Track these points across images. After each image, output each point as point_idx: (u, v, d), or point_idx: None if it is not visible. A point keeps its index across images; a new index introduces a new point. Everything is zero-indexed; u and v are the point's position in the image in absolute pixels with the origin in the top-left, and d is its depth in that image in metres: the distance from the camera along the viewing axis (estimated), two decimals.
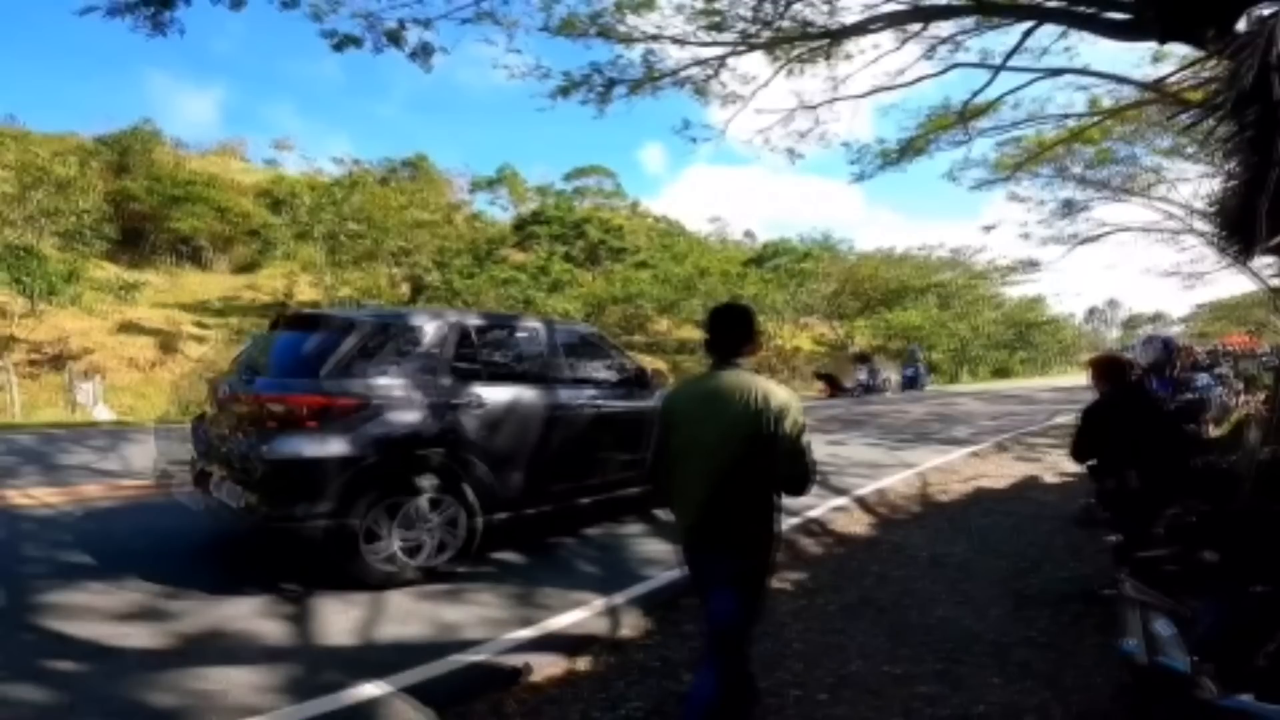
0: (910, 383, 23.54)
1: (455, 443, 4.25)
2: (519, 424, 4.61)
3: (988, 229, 31.83)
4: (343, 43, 8.55)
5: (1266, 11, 3.38)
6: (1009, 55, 9.31)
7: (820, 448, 9.31)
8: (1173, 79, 9.87)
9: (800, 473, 2.26)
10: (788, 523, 5.80)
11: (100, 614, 3.40)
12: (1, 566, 4.06)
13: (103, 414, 12.04)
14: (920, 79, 10.80)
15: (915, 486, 7.42)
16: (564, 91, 10.53)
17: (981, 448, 10.09)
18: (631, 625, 3.69)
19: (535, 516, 4.73)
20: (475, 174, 46.55)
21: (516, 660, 3.14)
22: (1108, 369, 3.99)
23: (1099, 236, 20.86)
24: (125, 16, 6.76)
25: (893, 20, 8.80)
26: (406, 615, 3.56)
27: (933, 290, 34.21)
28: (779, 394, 2.23)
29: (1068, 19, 7.04)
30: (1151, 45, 9.98)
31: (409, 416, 4.12)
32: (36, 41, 62.89)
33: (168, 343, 19.24)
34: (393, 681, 2.86)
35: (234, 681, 2.79)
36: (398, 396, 4.12)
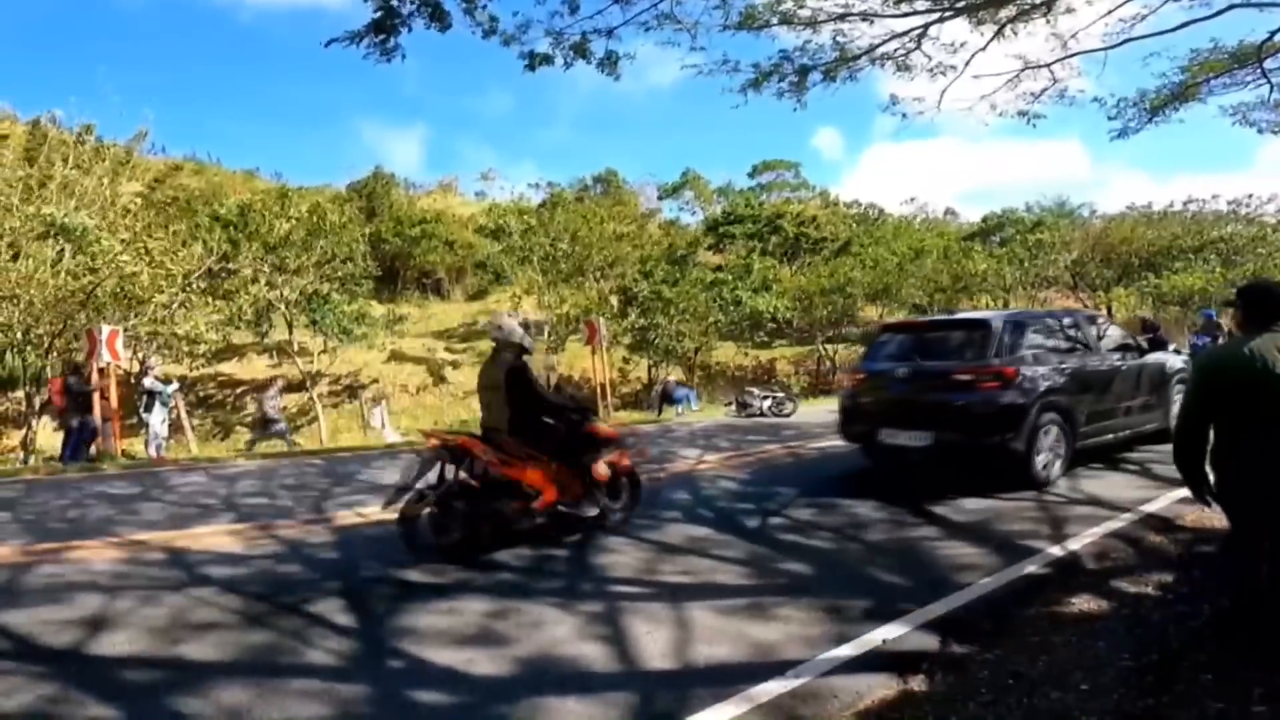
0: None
1: (1060, 391, 6.46)
2: (1087, 378, 6.81)
3: None
4: (536, 61, 9.00)
5: None
6: None
7: None
8: None
9: None
10: (1121, 519, 5.02)
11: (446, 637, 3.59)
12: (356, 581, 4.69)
13: (391, 436, 14.03)
14: (1186, 24, 9.00)
15: None
16: (755, 84, 10.24)
17: None
18: (961, 640, 3.28)
19: (1098, 443, 6.91)
20: (660, 182, 47.95)
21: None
22: None
23: None
24: (359, 44, 7.50)
25: None
26: (714, 634, 3.45)
27: (1211, 247, 28.23)
28: None
29: None
30: None
31: (1040, 378, 6.33)
32: (258, 103, 76.62)
33: (431, 369, 22.05)
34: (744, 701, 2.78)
35: (572, 712, 2.80)
36: (1032, 365, 6.36)
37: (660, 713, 2.78)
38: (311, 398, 17.80)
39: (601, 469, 5.25)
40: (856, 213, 43.09)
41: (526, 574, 4.59)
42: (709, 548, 4.90)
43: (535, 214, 26.30)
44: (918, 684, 2.92)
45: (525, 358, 5.23)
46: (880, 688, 2.91)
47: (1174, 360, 8.24)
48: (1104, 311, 26.68)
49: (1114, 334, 7.66)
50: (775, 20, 9.68)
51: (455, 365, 22.91)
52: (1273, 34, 9.06)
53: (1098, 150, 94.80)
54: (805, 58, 9.94)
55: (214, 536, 5.67)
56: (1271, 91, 10.57)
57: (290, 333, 19.21)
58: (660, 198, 47.63)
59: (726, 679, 2.99)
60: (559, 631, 3.58)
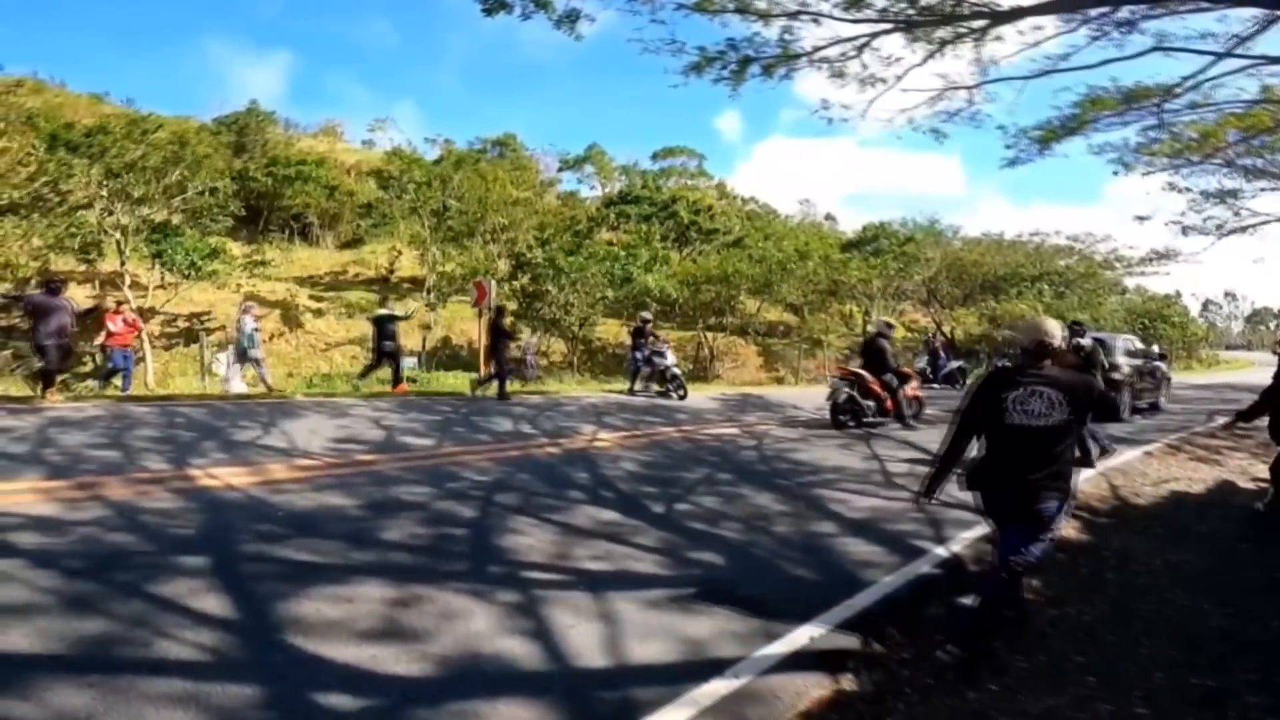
0: (949, 377, 20.81)
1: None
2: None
3: (1141, 219, 30.05)
4: (494, 7, 8.50)
5: None
6: (1234, 45, 8.30)
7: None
8: None
9: None
10: (987, 523, 5.30)
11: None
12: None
13: (237, 386, 12.49)
14: (1105, 62, 9.72)
15: (1104, 489, 6.74)
16: (696, 69, 10.14)
17: (1153, 448, 9.22)
18: (879, 638, 3.32)
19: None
20: (562, 152, 47.00)
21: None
22: None
23: (1248, 227, 18.61)
24: None
25: (1062, 6, 7.97)
26: (642, 629, 3.28)
27: (1046, 278, 31.72)
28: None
29: None
30: None
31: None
32: (94, 16, 64.02)
33: (288, 316, 20.12)
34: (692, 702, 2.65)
35: (510, 718, 2.55)
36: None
37: (606, 716, 2.60)
38: (140, 336, 15.64)
39: (909, 391, 10.38)
40: (750, 208, 44.49)
41: (427, 554, 4.19)
42: (621, 533, 4.72)
43: (431, 168, 24.91)
44: (848, 683, 2.92)
45: (883, 340, 10.40)
46: (815, 687, 2.88)
47: None
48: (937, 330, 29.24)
49: (1140, 345, 14.58)
50: (732, 6, 9.59)
51: (319, 314, 21.09)
52: (1185, 79, 10.00)
53: (974, 171, 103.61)
54: (750, 49, 9.86)
55: (17, 495, 4.68)
56: (1156, 132, 11.80)
57: (122, 263, 16.91)
58: (560, 169, 46.69)
59: (666, 678, 2.85)
60: (476, 624, 3.24)
